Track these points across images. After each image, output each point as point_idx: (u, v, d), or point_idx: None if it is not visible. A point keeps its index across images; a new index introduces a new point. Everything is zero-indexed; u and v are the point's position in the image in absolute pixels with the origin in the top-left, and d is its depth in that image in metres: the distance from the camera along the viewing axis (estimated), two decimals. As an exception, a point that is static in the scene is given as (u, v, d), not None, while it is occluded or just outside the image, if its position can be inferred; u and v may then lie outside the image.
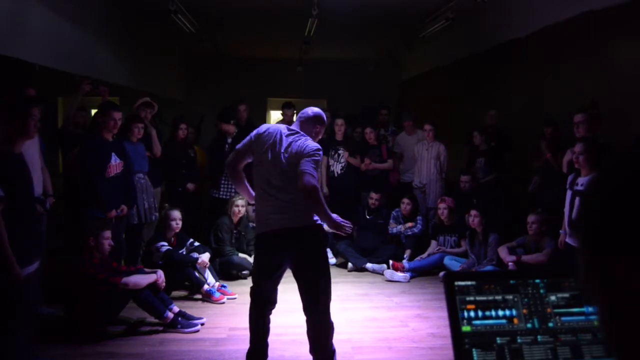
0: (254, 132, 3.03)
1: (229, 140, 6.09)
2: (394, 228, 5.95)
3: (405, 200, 5.99)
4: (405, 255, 5.67)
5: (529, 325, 1.03)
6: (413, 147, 6.52)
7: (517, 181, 5.83)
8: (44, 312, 3.91)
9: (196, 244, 4.97)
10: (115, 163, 4.35)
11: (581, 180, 3.79)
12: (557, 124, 5.03)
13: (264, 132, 2.98)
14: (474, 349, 0.99)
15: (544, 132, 5.11)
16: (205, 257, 4.76)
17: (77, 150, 4.39)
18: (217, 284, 4.72)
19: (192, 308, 4.26)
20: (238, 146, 3.08)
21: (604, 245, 0.49)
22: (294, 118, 6.74)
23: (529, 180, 5.34)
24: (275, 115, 10.43)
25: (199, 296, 4.60)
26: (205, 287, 4.57)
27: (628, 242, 0.47)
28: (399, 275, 5.27)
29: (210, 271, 4.78)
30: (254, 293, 3.03)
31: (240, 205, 5.48)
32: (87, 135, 4.52)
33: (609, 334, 0.51)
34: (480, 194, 5.78)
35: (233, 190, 6.05)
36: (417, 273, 5.38)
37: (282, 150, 2.89)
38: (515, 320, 1.03)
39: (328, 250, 6.04)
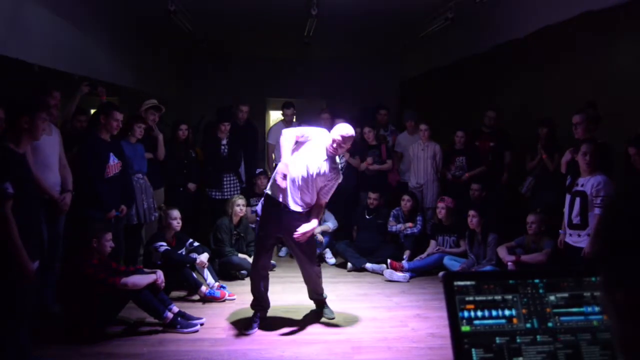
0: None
1: (224, 142, 6.08)
2: (394, 226, 5.94)
3: (406, 197, 5.96)
4: (404, 256, 5.65)
5: (528, 325, 1.03)
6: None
7: (516, 181, 5.83)
8: (55, 310, 3.92)
9: (195, 244, 4.96)
10: (114, 163, 4.35)
11: (581, 180, 3.79)
12: (553, 124, 5.03)
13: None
14: (473, 349, 0.99)
15: (538, 133, 5.11)
16: (204, 257, 4.76)
17: (75, 150, 4.38)
18: (217, 284, 4.72)
19: (192, 308, 4.26)
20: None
21: (621, 278, 0.51)
22: (294, 118, 6.82)
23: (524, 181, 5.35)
24: (275, 115, 10.40)
25: (198, 297, 4.60)
26: (203, 288, 4.57)
27: None
28: (399, 275, 5.26)
29: (210, 271, 4.77)
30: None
31: (242, 205, 5.46)
32: (84, 136, 4.52)
33: (623, 353, 0.53)
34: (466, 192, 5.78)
35: (233, 191, 6.04)
36: (416, 273, 5.37)
37: None
38: (515, 320, 1.03)
39: (327, 250, 6.07)
